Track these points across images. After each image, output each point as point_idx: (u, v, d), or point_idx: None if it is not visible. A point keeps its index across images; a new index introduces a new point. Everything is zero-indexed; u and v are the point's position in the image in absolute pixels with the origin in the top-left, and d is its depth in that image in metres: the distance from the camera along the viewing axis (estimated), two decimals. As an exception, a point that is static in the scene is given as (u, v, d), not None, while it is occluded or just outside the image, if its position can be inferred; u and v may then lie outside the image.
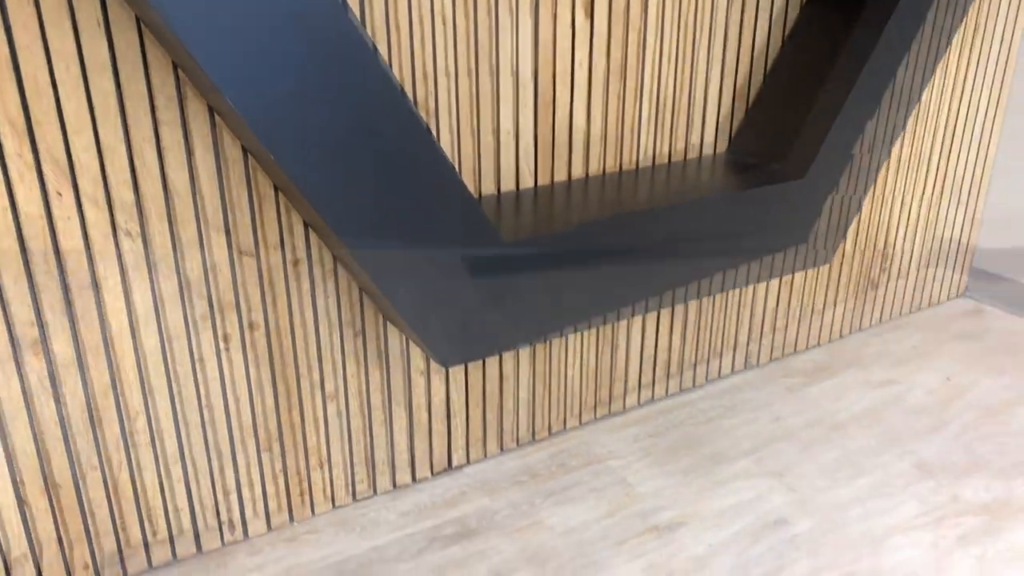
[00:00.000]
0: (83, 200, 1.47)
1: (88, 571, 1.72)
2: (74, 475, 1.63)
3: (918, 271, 3.09)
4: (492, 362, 2.11)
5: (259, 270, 1.70)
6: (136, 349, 1.61)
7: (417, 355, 1.97)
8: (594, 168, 2.11)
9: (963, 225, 3.15)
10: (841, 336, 2.96)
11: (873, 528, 1.96)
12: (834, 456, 2.25)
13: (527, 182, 2.00)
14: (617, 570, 1.83)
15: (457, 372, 2.06)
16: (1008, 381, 2.66)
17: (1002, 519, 2.00)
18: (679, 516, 2.00)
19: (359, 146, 1.46)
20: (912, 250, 3.02)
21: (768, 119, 2.31)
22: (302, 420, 1.87)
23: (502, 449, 2.24)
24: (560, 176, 2.05)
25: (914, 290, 3.12)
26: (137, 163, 1.49)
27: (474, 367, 2.08)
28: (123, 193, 1.50)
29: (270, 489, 1.89)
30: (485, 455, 2.21)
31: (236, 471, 1.83)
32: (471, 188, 1.90)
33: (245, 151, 1.59)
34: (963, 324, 3.07)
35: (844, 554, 1.88)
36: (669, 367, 2.51)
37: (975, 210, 3.15)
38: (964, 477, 2.16)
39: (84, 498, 1.66)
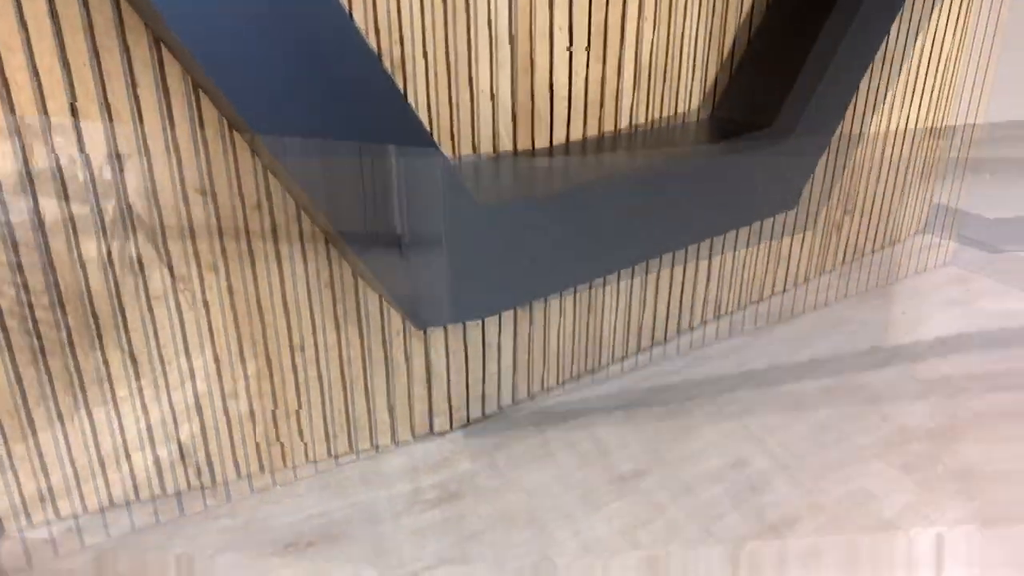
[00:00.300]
0: (62, 162, 1.47)
1: (72, 533, 1.74)
2: (56, 434, 1.65)
3: (905, 239, 3.09)
4: (474, 327, 2.12)
5: (237, 233, 1.70)
6: (117, 313, 1.62)
7: (396, 320, 1.98)
8: (575, 133, 2.10)
9: (951, 194, 3.14)
10: (827, 303, 2.97)
11: (851, 494, 1.99)
12: (817, 420, 2.27)
13: (506, 147, 1.99)
14: (595, 531, 1.85)
15: (438, 338, 2.07)
16: (991, 347, 2.67)
17: (980, 485, 2.02)
18: (659, 480, 2.02)
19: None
20: (900, 218, 3.02)
21: (752, 83, 2.30)
22: (283, 383, 1.88)
23: (484, 413, 2.25)
24: (541, 141, 2.04)
25: (901, 257, 3.13)
26: (115, 125, 1.49)
27: (455, 333, 2.09)
28: (100, 157, 1.50)
29: (251, 451, 1.91)
30: (468, 420, 2.22)
31: (217, 434, 1.84)
32: (448, 152, 1.89)
33: (221, 113, 1.59)
34: (949, 291, 3.08)
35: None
36: (653, 333, 2.52)
37: (963, 178, 3.14)
38: (947, 440, 2.18)
39: (67, 458, 1.68)
